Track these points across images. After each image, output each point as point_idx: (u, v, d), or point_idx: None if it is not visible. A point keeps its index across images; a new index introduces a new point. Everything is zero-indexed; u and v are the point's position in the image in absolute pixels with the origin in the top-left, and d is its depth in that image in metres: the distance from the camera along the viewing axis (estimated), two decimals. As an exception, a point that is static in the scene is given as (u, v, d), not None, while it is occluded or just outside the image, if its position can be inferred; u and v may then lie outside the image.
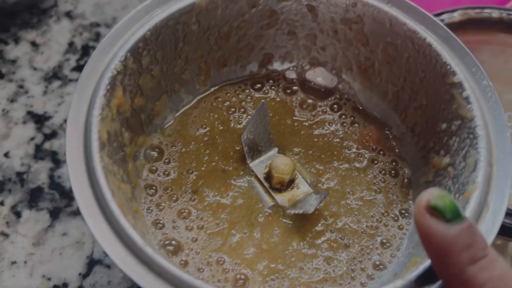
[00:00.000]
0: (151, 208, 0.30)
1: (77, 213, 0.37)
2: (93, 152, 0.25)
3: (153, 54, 0.30)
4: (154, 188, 0.31)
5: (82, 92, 0.27)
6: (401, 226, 0.30)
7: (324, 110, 0.35)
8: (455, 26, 0.36)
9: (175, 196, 0.31)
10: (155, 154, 0.32)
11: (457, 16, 0.36)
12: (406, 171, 0.33)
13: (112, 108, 0.27)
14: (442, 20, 0.36)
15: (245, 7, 0.32)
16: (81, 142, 0.25)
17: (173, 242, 0.29)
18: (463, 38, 0.30)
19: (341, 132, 0.34)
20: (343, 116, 0.35)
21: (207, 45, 0.33)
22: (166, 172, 0.32)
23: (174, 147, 0.33)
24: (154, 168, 0.32)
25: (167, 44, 0.31)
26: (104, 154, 0.25)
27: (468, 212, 0.25)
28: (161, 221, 0.30)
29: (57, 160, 0.39)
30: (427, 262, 0.24)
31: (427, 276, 0.23)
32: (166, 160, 0.32)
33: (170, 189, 0.31)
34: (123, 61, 0.28)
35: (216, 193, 0.31)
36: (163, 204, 0.30)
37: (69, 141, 0.25)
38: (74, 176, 0.24)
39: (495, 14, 0.36)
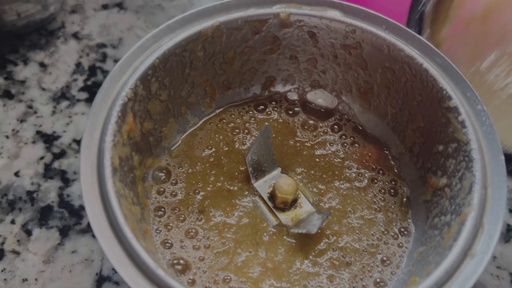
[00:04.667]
0: (159, 229, 0.31)
1: (86, 231, 0.38)
2: (106, 178, 0.26)
3: (161, 81, 0.31)
4: (163, 209, 0.32)
5: (94, 119, 0.28)
6: (400, 244, 0.32)
7: (325, 130, 0.36)
8: None
9: (183, 216, 0.32)
10: (162, 175, 0.33)
11: None
12: (405, 190, 0.34)
13: (123, 134, 0.29)
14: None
15: (249, 34, 0.33)
16: (94, 168, 0.27)
17: (181, 261, 0.30)
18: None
19: (341, 152, 0.35)
20: (344, 137, 0.36)
21: (212, 70, 0.34)
22: (174, 193, 0.33)
23: (181, 168, 0.34)
24: (162, 189, 0.33)
25: (175, 70, 0.32)
26: (116, 179, 0.27)
27: (464, 233, 0.26)
28: (170, 241, 0.31)
29: (66, 179, 0.40)
30: (426, 282, 0.25)
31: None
32: (174, 181, 0.33)
33: (177, 209, 0.32)
34: (133, 89, 0.29)
35: (222, 213, 0.32)
36: (171, 224, 0.31)
37: (83, 167, 0.26)
38: (89, 201, 0.25)
39: None
